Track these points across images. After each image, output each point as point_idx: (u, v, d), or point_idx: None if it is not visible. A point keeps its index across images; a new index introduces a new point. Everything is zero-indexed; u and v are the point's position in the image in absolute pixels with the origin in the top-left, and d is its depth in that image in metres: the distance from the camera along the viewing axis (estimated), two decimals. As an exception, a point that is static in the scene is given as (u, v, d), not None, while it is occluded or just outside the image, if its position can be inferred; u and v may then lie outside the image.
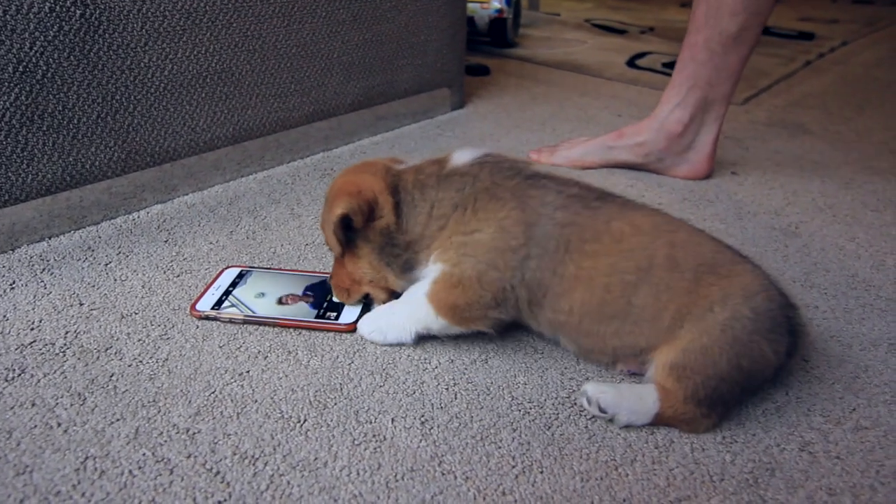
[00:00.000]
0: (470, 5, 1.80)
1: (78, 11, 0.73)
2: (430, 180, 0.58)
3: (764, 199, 1.00)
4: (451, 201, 0.57)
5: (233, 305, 0.66)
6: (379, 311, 0.64)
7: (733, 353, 0.51)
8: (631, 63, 1.82)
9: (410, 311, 0.61)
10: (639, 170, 1.07)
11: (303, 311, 0.66)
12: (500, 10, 1.85)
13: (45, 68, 0.72)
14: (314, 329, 0.64)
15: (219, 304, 0.67)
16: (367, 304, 0.67)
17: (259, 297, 0.68)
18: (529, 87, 1.57)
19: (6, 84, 0.70)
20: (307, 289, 0.70)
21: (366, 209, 0.57)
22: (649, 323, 0.54)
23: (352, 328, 0.64)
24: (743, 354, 0.51)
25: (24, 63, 0.71)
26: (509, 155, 0.62)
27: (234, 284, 0.70)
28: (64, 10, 0.72)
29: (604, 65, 1.79)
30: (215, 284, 0.70)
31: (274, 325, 0.65)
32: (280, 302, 0.67)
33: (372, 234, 0.59)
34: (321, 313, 0.65)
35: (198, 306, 0.66)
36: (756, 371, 0.53)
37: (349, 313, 0.66)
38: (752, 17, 0.91)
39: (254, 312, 0.65)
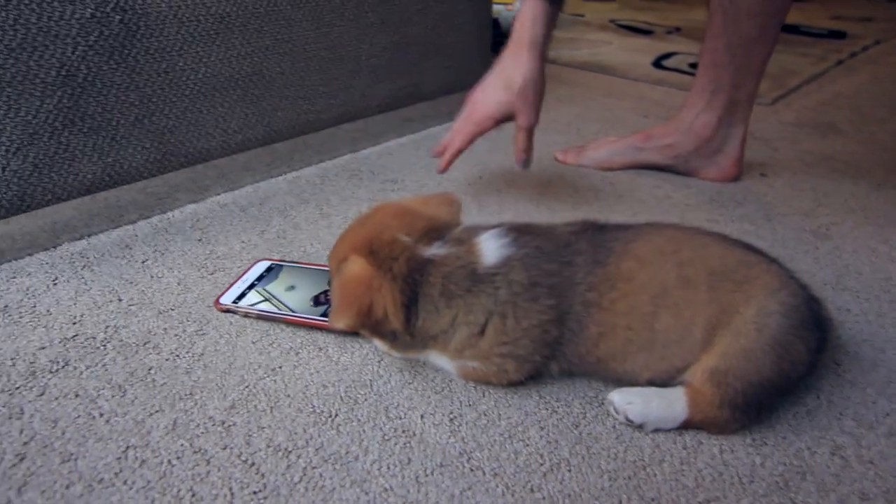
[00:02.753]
0: (495, 7, 1.80)
1: (117, 17, 0.76)
2: (459, 287, 0.54)
3: (794, 201, 0.98)
4: (483, 308, 0.54)
5: (265, 299, 0.68)
6: None
7: (775, 355, 0.51)
8: (657, 64, 1.81)
9: (436, 360, 0.60)
10: (666, 171, 1.07)
11: None
12: (524, 12, 1.85)
13: (86, 72, 0.75)
14: (320, 327, 0.65)
15: (241, 297, 0.69)
16: None
17: (289, 291, 0.69)
18: (554, 89, 1.57)
19: (50, 87, 0.73)
20: None
21: (370, 324, 0.54)
22: (678, 343, 0.54)
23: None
24: (784, 357, 0.51)
25: (67, 67, 0.73)
26: (532, 226, 0.59)
27: (260, 278, 0.72)
28: (104, 15, 0.75)
29: (629, 65, 1.78)
30: (244, 278, 0.72)
31: (283, 321, 0.66)
32: (318, 302, 0.68)
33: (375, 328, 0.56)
34: (326, 311, 0.66)
35: (221, 299, 0.68)
36: (794, 373, 0.52)
37: None
38: (770, 17, 0.91)
39: (285, 304, 0.67)
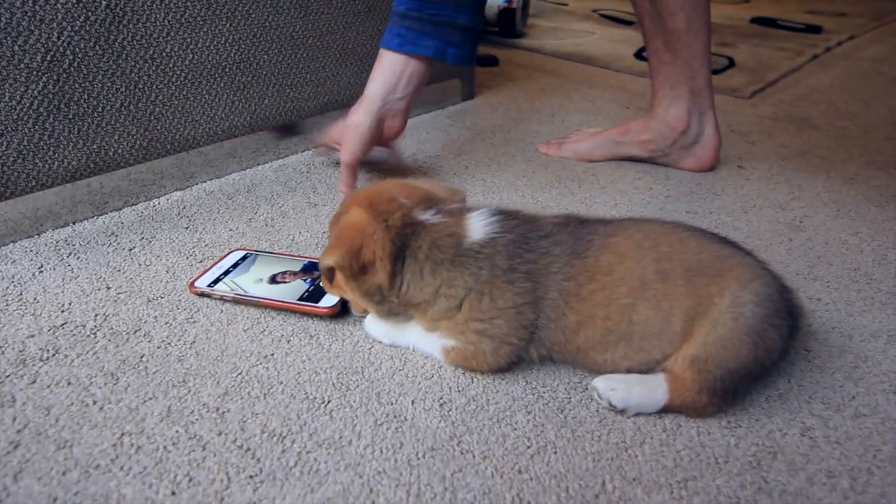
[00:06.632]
0: (479, -5, 1.80)
1: (104, 2, 0.75)
2: (445, 257, 0.57)
3: (769, 193, 1.02)
4: (464, 284, 0.57)
5: (231, 290, 0.68)
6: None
7: (751, 343, 0.53)
8: (639, 55, 1.83)
9: (421, 344, 0.62)
10: (646, 162, 1.09)
11: (298, 288, 0.69)
12: (509, 1, 1.85)
13: (71, 57, 0.74)
14: (295, 311, 0.66)
15: (215, 282, 0.69)
16: None
17: (258, 283, 0.70)
18: (538, 78, 1.58)
19: (35, 73, 0.72)
20: (308, 267, 0.73)
21: (357, 269, 0.57)
22: (657, 335, 0.56)
23: (331, 311, 0.66)
24: (759, 344, 0.54)
25: (52, 52, 0.72)
26: (521, 212, 0.62)
27: (235, 265, 0.72)
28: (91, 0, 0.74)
29: (612, 56, 1.80)
30: (219, 265, 0.73)
31: (258, 305, 0.67)
32: (274, 281, 0.70)
33: (361, 280, 0.58)
34: (304, 296, 0.67)
35: (196, 283, 0.69)
36: (768, 359, 0.55)
37: (330, 297, 0.67)
38: (692, 9, 0.95)
39: (246, 292, 0.68)
